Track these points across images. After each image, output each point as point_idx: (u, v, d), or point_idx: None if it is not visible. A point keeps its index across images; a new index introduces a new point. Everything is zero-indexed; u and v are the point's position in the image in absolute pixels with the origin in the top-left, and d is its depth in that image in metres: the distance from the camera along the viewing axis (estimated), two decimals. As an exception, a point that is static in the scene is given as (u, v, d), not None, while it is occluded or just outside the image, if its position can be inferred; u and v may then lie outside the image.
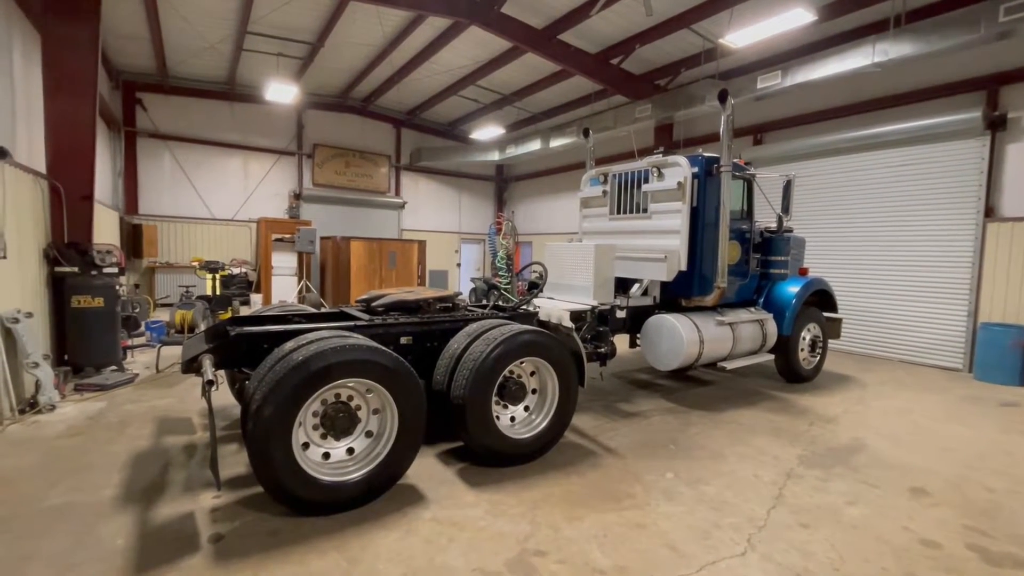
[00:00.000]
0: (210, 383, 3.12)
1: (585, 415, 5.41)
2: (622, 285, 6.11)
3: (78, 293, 6.09)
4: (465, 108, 15.34)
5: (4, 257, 4.90)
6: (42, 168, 6.15)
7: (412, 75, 12.61)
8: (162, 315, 10.06)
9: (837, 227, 9.43)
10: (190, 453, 4.21)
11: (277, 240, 13.79)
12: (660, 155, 6.06)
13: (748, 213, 6.41)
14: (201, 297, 9.81)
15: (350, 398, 3.45)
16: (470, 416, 3.78)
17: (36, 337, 5.19)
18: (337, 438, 3.39)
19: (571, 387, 4.31)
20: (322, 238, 14.06)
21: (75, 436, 4.52)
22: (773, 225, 6.67)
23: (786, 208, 6.63)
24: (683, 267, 5.76)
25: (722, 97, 5.49)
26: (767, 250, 6.75)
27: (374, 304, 4.62)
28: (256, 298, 12.96)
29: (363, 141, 16.37)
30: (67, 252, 6.15)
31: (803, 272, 7.18)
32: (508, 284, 5.61)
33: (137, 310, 8.96)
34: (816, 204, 9.65)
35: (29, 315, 5.15)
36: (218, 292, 10.56)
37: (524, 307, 5.24)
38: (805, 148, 9.65)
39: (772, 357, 6.61)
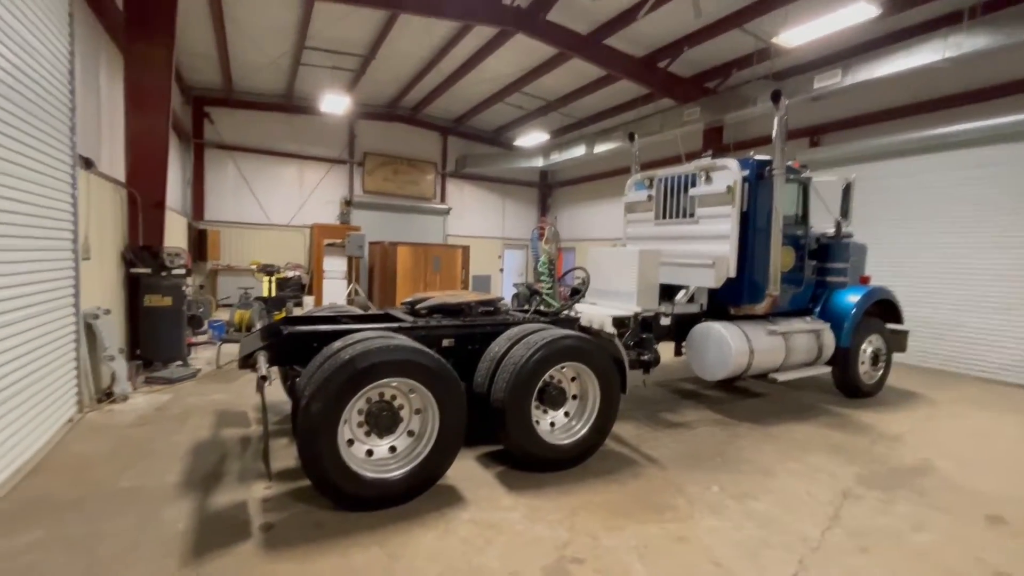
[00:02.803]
0: (264, 379, 3.28)
1: (627, 423, 5.30)
2: (668, 292, 5.96)
3: (150, 292, 6.55)
4: (510, 115, 15.49)
5: (88, 259, 5.35)
6: (121, 177, 6.69)
7: (459, 84, 12.87)
8: (223, 315, 10.67)
9: (903, 233, 8.82)
10: (245, 445, 4.44)
11: (329, 245, 14.34)
12: (708, 158, 5.90)
13: (803, 218, 6.12)
14: (258, 298, 10.35)
15: (393, 397, 3.54)
16: (509, 420, 3.79)
17: (113, 332, 5.63)
18: (380, 436, 3.48)
19: (613, 394, 4.25)
20: (371, 243, 14.52)
21: (144, 425, 4.86)
22: (831, 231, 6.34)
23: (845, 213, 6.30)
24: (732, 274, 5.57)
25: (775, 97, 5.29)
26: (824, 257, 6.43)
27: (418, 307, 4.73)
28: (308, 300, 13.50)
29: (411, 149, 16.82)
30: (141, 254, 6.64)
31: (864, 280, 6.77)
32: (550, 289, 5.60)
33: (201, 310, 9.55)
34: (880, 209, 9.08)
35: (107, 312, 5.60)
36: (274, 294, 11.11)
37: (566, 312, 5.21)
38: (867, 150, 9.12)
39: (829, 370, 6.26)
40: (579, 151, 13.99)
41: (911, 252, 8.72)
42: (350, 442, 3.38)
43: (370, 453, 3.47)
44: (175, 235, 9.98)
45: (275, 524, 3.16)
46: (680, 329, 5.92)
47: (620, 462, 4.31)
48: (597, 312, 5.30)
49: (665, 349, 5.96)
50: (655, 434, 5.04)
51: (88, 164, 5.45)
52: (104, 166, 6.18)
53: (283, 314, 9.53)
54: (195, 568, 2.71)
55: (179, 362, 6.80)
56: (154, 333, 6.58)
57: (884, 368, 6.59)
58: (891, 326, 6.71)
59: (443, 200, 17.64)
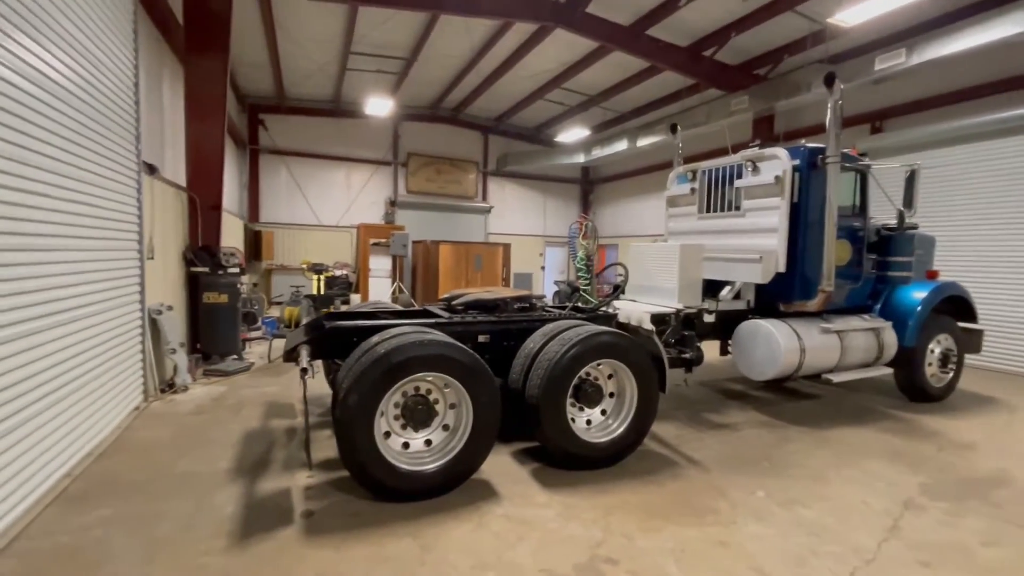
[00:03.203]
0: (305, 371, 3.40)
1: (668, 423, 5.15)
2: (713, 288, 5.75)
3: (208, 290, 6.95)
4: (551, 112, 15.39)
5: (152, 258, 5.74)
6: (183, 182, 7.13)
7: (499, 82, 12.91)
8: (276, 312, 11.19)
9: (979, 225, 8.09)
10: (291, 435, 4.63)
11: (374, 244, 14.75)
12: (756, 148, 5.63)
13: (861, 209, 5.74)
14: (308, 296, 10.78)
15: (428, 392, 3.58)
16: (544, 416, 3.76)
17: (175, 327, 6.01)
18: (416, 429, 3.54)
19: (651, 392, 4.14)
20: (414, 242, 14.81)
21: (201, 414, 5.16)
22: (893, 222, 5.91)
23: (909, 202, 5.85)
24: (781, 268, 5.29)
25: (829, 81, 4.98)
26: (885, 250, 6.02)
27: (454, 303, 4.78)
28: (355, 298, 13.93)
29: (453, 149, 17.05)
30: (200, 254, 7.06)
31: (932, 275, 6.28)
32: (588, 285, 5.52)
33: (256, 307, 10.05)
34: (950, 198, 8.37)
35: (170, 308, 5.99)
36: (322, 292, 11.54)
37: (604, 309, 5.12)
38: (935, 135, 8.43)
39: (891, 371, 5.84)
40: (621, 146, 13.73)
41: (988, 245, 7.99)
42: (387, 434, 3.46)
43: (406, 446, 3.53)
44: (232, 236, 10.55)
45: (315, 512, 3.28)
46: (726, 327, 5.69)
47: (659, 462, 4.19)
48: (636, 309, 5.18)
49: (710, 348, 5.75)
50: (698, 435, 4.87)
51: (152, 170, 5.84)
52: (167, 172, 6.60)
53: (329, 311, 9.87)
54: (241, 549, 2.85)
55: (234, 356, 7.18)
56: (212, 328, 6.97)
57: (955, 370, 6.08)
58: (964, 325, 6.18)
59: (485, 199, 17.77)
